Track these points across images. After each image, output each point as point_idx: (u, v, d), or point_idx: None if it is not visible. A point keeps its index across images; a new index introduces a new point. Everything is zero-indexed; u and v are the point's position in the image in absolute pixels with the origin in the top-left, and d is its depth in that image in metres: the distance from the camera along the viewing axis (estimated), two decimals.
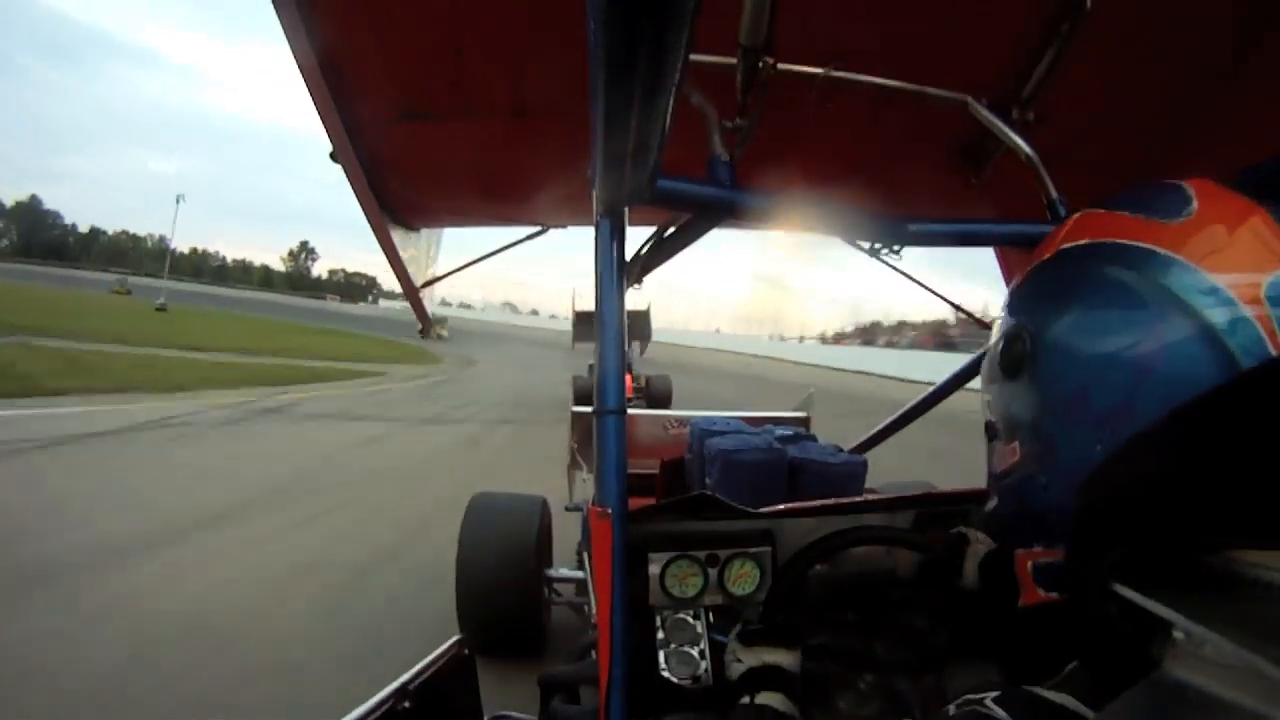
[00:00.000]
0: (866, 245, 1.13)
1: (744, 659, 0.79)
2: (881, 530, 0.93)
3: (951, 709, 0.45)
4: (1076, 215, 0.57)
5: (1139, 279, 0.49)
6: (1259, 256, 0.46)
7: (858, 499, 1.20)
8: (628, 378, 11.43)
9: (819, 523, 0.99)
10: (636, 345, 12.42)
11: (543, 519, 2.60)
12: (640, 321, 13.25)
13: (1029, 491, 0.56)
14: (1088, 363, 0.50)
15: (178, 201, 36.83)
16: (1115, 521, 0.40)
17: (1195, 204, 0.50)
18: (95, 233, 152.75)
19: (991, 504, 0.64)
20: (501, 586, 2.38)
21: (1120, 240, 0.51)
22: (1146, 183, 0.54)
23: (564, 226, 1.84)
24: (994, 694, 0.43)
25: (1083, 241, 0.54)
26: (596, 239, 0.88)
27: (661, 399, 10.66)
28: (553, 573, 2.61)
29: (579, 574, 2.55)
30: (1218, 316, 0.45)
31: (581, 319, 14.13)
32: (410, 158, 1.43)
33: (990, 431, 0.61)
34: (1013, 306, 0.59)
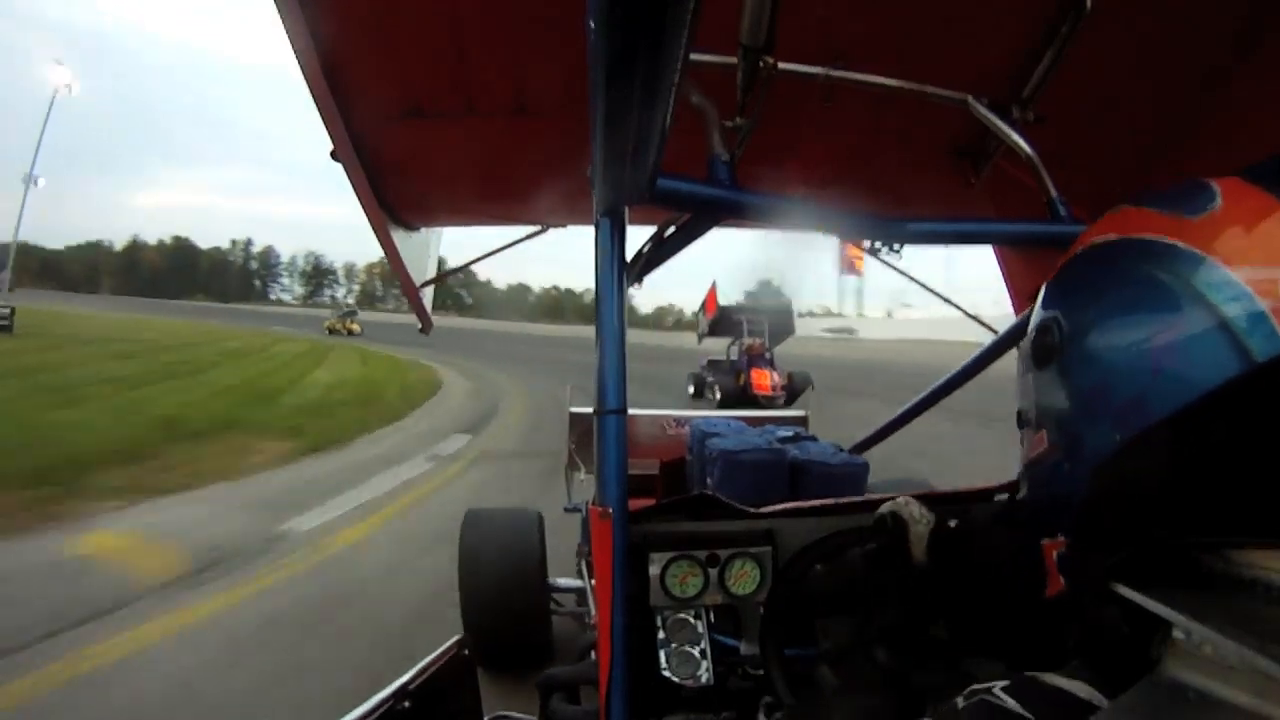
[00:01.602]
0: (866, 244, 1.13)
1: None
2: (865, 532, 0.91)
3: (960, 700, 0.45)
4: (1110, 212, 0.59)
5: (1159, 273, 0.49)
6: (1277, 250, 0.46)
7: (858, 499, 1.20)
8: (772, 374, 10.52)
9: (819, 523, 0.99)
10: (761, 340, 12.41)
11: (539, 531, 2.57)
12: (784, 319, 13.26)
13: (1055, 480, 0.57)
14: (1108, 355, 0.51)
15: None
16: (1120, 514, 0.40)
17: (1219, 200, 0.50)
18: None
19: (1022, 492, 0.65)
20: (505, 593, 2.34)
21: (1144, 235, 0.52)
22: (1176, 180, 0.55)
23: (563, 226, 1.84)
24: (1003, 683, 0.43)
25: (1110, 237, 0.56)
26: (597, 238, 0.88)
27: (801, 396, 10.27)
28: (553, 582, 2.58)
29: (578, 583, 2.52)
30: (1233, 310, 0.45)
31: (723, 315, 13.84)
32: (410, 157, 1.43)
33: (1021, 420, 0.63)
34: (1046, 299, 0.61)
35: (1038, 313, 0.61)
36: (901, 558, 0.80)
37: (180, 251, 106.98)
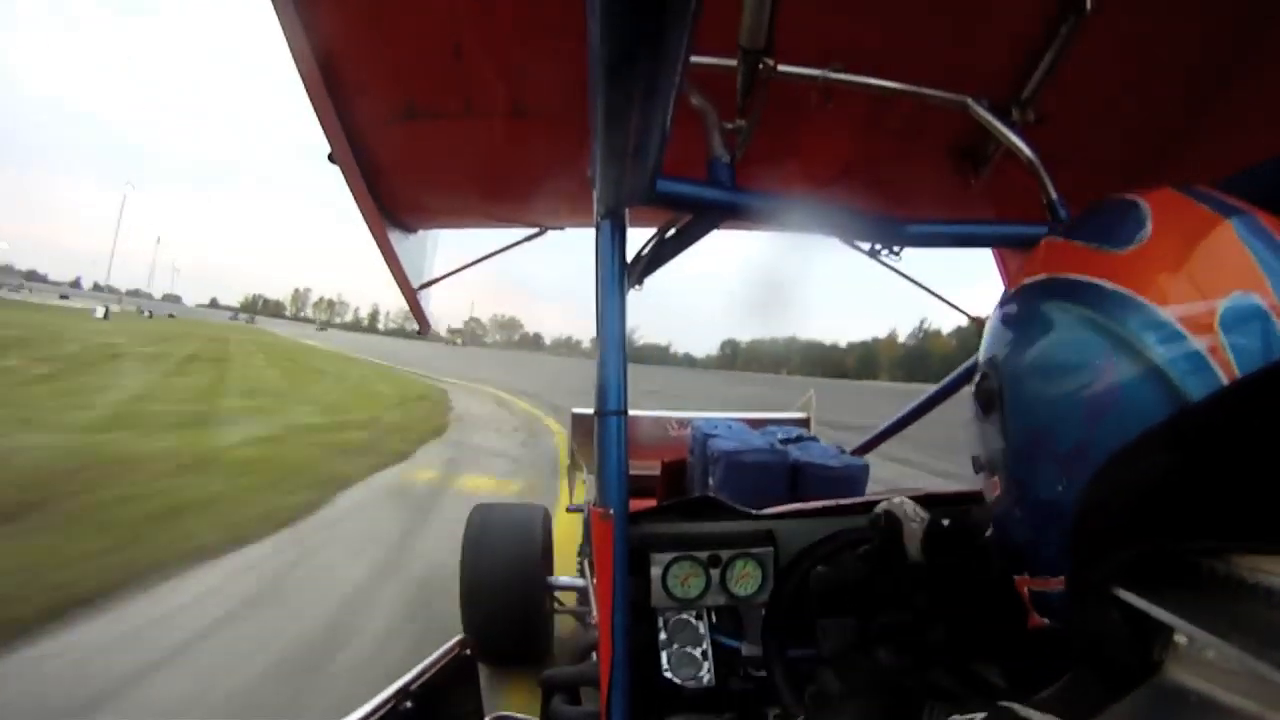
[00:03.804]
0: (866, 246, 1.13)
1: None
2: (866, 533, 0.91)
3: None
4: (1042, 243, 0.56)
5: (1086, 317, 0.47)
6: (1214, 279, 0.44)
7: (859, 500, 1.20)
8: None
9: (820, 524, 0.99)
10: None
11: (544, 528, 2.58)
12: None
13: (1010, 524, 0.56)
14: (1044, 405, 0.50)
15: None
16: (1115, 522, 0.40)
17: (1149, 226, 0.48)
18: None
19: (989, 531, 0.64)
20: (507, 593, 2.36)
21: (1070, 275, 0.50)
22: (1107, 203, 0.53)
23: (562, 228, 1.84)
24: (981, 715, 0.43)
25: (1040, 277, 0.53)
26: (597, 240, 0.88)
27: None
28: (553, 581, 2.59)
29: (580, 581, 2.53)
30: (1163, 353, 0.43)
31: None
32: (409, 158, 1.43)
33: (975, 464, 0.61)
34: (986, 341, 0.58)
35: (981, 353, 0.58)
36: (897, 557, 0.80)
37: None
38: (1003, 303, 0.57)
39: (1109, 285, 0.47)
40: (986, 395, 0.56)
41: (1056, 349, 0.49)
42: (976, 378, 0.58)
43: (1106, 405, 0.45)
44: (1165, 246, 0.47)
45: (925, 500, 1.08)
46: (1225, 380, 0.42)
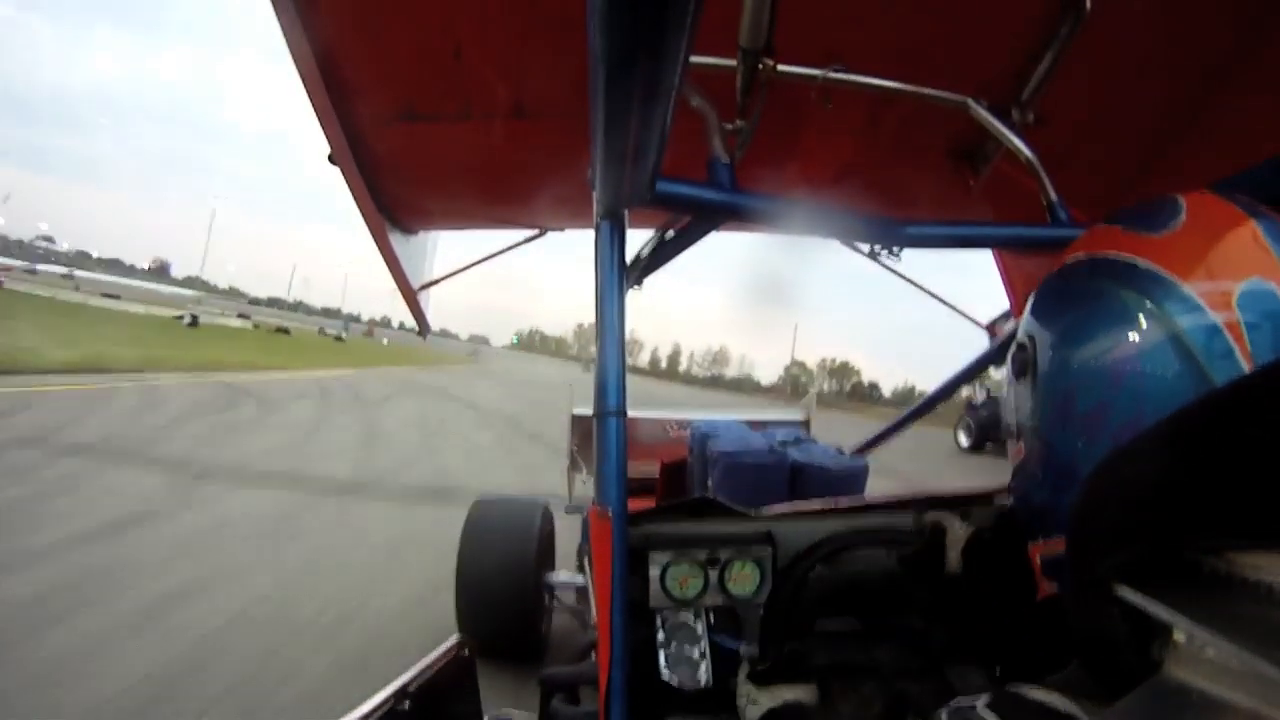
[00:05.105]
0: (865, 248, 1.13)
1: (761, 700, 0.78)
2: (865, 534, 0.92)
3: (943, 714, 0.45)
4: (1088, 229, 0.61)
5: (1118, 290, 0.51)
6: (1236, 265, 0.48)
7: (857, 500, 1.20)
8: None
9: (819, 525, 0.99)
10: None
11: (544, 523, 2.60)
12: None
13: (1031, 487, 0.60)
14: (1072, 368, 0.53)
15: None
16: (1115, 520, 0.40)
17: (1183, 216, 0.52)
18: None
19: (1010, 501, 0.68)
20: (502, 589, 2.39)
21: (1107, 254, 0.54)
22: (1148, 198, 0.57)
23: (562, 229, 1.84)
24: (985, 698, 0.43)
25: (1080, 256, 0.58)
26: (596, 241, 0.88)
27: None
28: (553, 578, 2.60)
29: (579, 579, 2.54)
30: (1185, 324, 0.47)
31: None
32: (409, 159, 1.43)
33: (1006, 432, 0.65)
34: (1025, 317, 0.63)
35: (1021, 328, 0.63)
36: (935, 565, 0.80)
37: None
38: (1044, 280, 0.61)
39: (1142, 263, 0.51)
40: (1021, 363, 0.60)
41: (1086, 316, 0.53)
42: (1013, 349, 0.62)
43: (1128, 368, 0.49)
44: (1196, 234, 0.51)
45: (925, 501, 1.08)
46: (1238, 352, 0.45)
